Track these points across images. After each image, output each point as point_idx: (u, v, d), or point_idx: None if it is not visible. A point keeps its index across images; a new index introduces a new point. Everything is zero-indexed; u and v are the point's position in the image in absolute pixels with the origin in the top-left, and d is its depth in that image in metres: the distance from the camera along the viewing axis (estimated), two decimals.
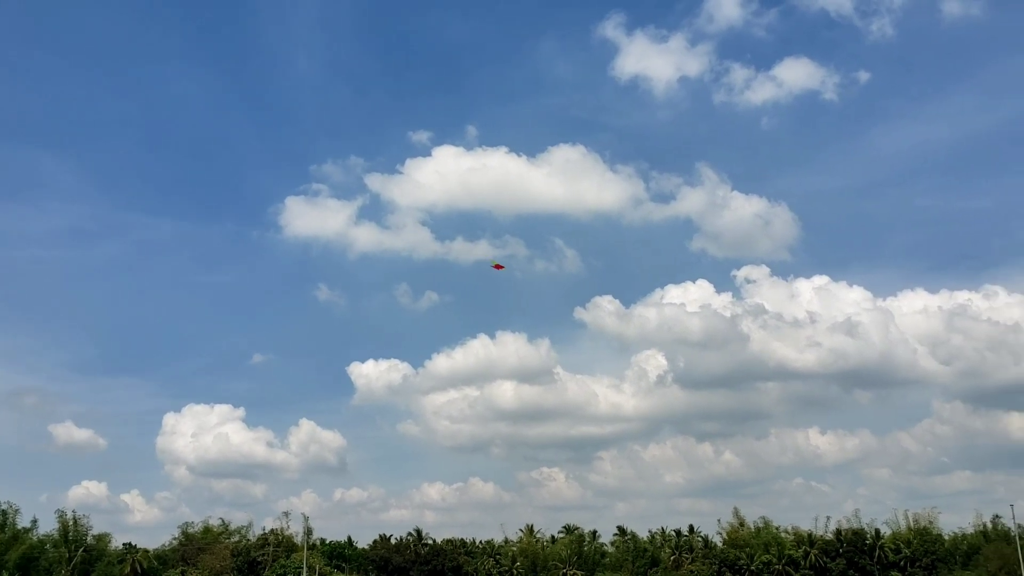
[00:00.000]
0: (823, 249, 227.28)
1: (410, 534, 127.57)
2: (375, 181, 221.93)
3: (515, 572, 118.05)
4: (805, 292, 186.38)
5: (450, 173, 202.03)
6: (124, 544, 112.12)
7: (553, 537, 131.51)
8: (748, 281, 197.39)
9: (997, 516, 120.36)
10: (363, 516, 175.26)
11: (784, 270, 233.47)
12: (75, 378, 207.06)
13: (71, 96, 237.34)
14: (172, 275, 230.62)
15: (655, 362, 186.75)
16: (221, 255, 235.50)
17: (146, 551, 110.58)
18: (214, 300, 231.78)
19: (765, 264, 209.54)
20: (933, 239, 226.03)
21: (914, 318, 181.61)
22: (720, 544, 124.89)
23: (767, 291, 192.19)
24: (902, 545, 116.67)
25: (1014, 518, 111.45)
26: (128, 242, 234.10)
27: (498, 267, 63.92)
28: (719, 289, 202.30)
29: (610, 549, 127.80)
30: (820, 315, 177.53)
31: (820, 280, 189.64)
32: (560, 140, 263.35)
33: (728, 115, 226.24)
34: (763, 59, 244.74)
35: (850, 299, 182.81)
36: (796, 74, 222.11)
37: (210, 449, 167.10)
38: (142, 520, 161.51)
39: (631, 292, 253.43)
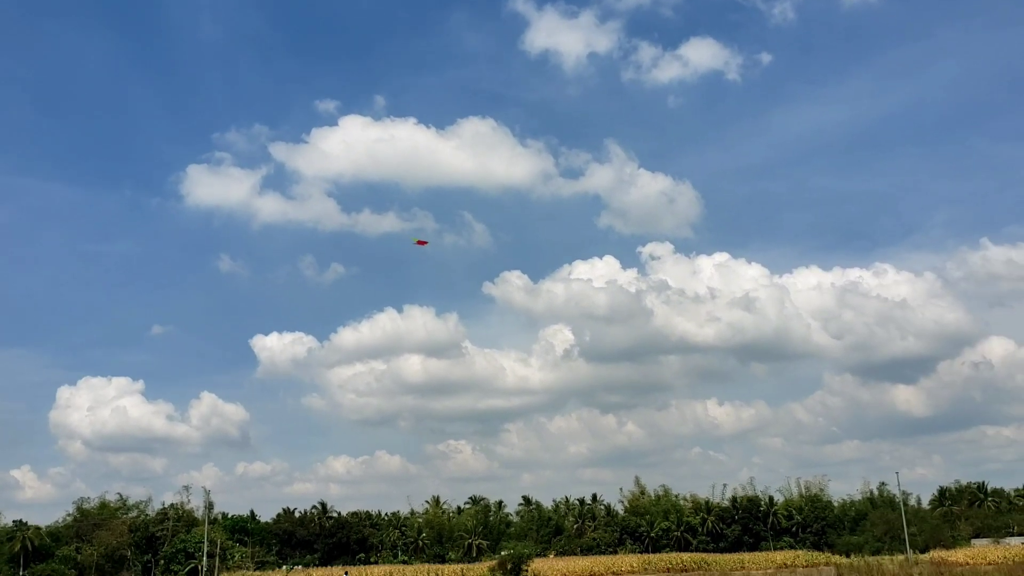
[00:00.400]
0: (724, 227, 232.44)
1: (314, 507, 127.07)
2: (280, 150, 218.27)
3: (421, 543, 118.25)
4: (706, 268, 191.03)
5: (357, 143, 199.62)
6: (14, 521, 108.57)
7: (459, 508, 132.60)
8: (653, 257, 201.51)
9: (883, 483, 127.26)
10: (267, 490, 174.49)
11: (687, 247, 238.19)
12: None
13: None
14: (65, 243, 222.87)
15: (562, 336, 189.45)
16: (118, 223, 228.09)
17: (38, 528, 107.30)
18: (110, 270, 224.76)
19: (669, 241, 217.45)
20: (827, 219, 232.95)
21: (808, 294, 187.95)
22: (622, 512, 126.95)
23: (670, 267, 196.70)
24: (794, 512, 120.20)
25: (899, 485, 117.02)
26: (17, 208, 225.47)
27: (421, 243, 63.62)
28: (625, 265, 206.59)
29: (515, 519, 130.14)
30: (720, 291, 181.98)
31: (720, 257, 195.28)
32: (470, 113, 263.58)
33: (636, 92, 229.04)
34: (670, 38, 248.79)
35: (748, 275, 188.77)
36: (701, 54, 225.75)
37: (107, 423, 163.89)
38: (34, 497, 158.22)
39: (539, 267, 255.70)
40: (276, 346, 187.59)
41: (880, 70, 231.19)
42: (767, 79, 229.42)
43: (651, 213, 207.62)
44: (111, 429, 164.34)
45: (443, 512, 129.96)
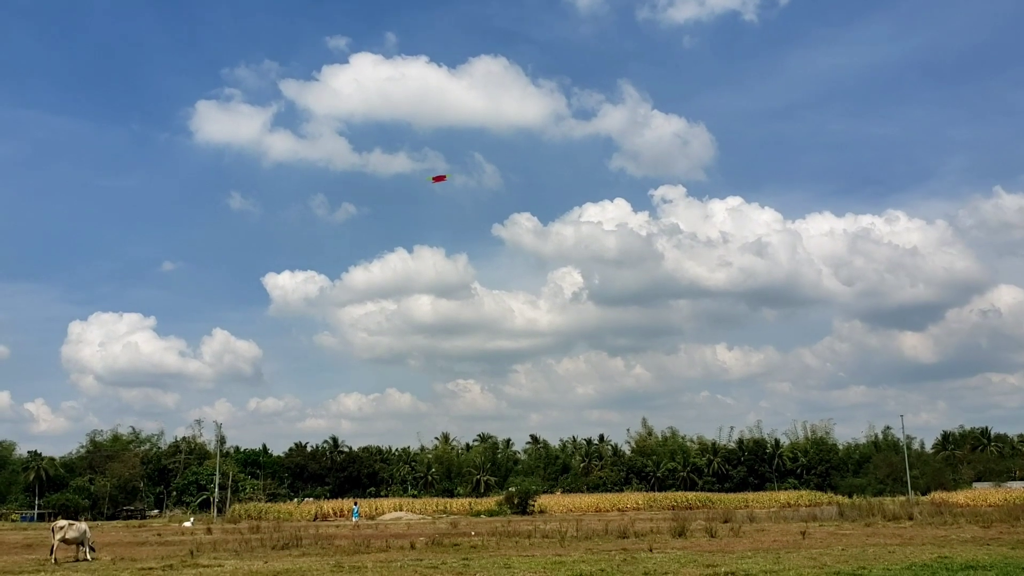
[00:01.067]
0: (738, 170, 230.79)
1: (326, 442, 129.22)
2: (290, 87, 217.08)
3: (430, 478, 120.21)
4: (719, 212, 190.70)
5: (368, 82, 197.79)
6: (29, 452, 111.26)
7: (468, 445, 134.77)
8: (664, 201, 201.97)
9: (888, 428, 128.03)
10: (279, 426, 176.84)
11: (699, 190, 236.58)
12: None
13: None
14: (74, 177, 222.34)
15: (571, 279, 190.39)
16: (127, 158, 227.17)
17: (52, 459, 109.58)
18: (120, 205, 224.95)
19: (682, 184, 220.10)
20: (842, 163, 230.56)
21: (820, 240, 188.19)
22: (628, 452, 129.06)
23: (682, 211, 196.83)
24: (799, 454, 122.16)
25: (903, 429, 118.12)
26: (24, 141, 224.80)
27: (439, 179, 62.13)
28: (636, 208, 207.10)
29: (523, 457, 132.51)
30: (732, 235, 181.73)
31: (734, 201, 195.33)
32: (482, 51, 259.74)
33: (651, 32, 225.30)
34: None
35: (761, 220, 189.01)
36: None
37: (119, 358, 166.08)
38: (48, 429, 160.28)
39: (549, 209, 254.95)
40: (288, 284, 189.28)
41: (899, 13, 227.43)
42: (784, 20, 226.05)
43: (664, 156, 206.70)
44: (123, 364, 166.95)
45: (452, 449, 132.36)
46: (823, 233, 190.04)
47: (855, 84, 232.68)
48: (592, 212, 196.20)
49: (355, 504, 76.16)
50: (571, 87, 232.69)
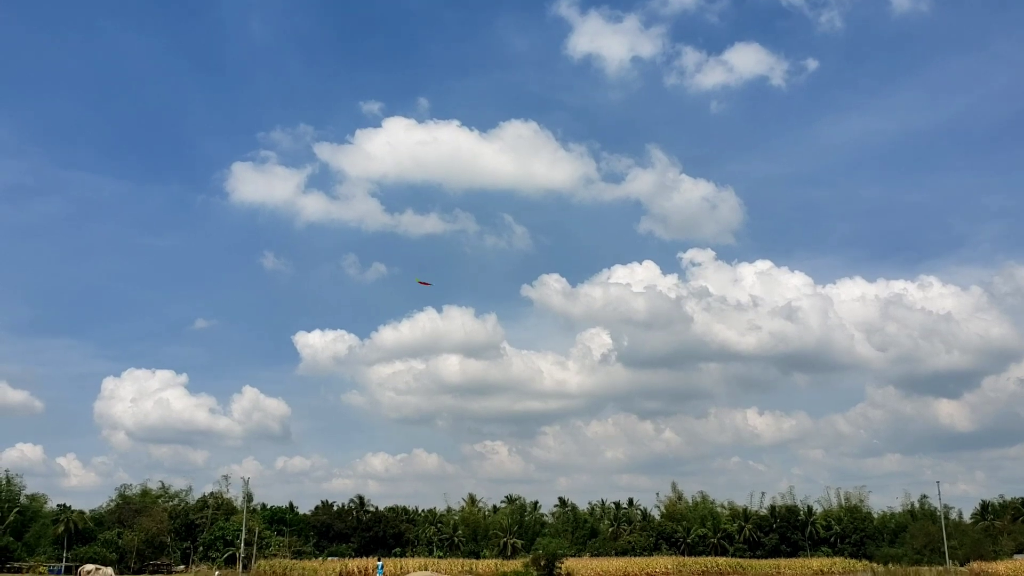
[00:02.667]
0: (767, 234, 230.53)
1: (352, 501, 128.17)
2: (324, 150, 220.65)
3: (456, 540, 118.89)
4: (748, 276, 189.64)
5: (401, 145, 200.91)
6: (59, 505, 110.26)
7: (495, 507, 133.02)
8: (693, 264, 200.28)
9: (924, 496, 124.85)
10: (306, 485, 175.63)
11: (729, 254, 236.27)
12: (9, 338, 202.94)
13: (12, 48, 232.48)
14: (113, 236, 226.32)
15: (600, 340, 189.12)
16: (165, 218, 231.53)
17: (81, 512, 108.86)
18: (157, 264, 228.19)
19: (711, 247, 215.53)
20: (873, 229, 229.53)
21: (852, 305, 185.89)
22: (658, 517, 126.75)
23: (711, 274, 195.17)
24: (833, 522, 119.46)
25: (940, 497, 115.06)
26: (68, 200, 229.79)
27: (424, 284, 62.13)
28: (665, 271, 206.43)
29: (550, 520, 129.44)
30: (762, 299, 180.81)
31: (763, 265, 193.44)
32: (512, 116, 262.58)
33: (679, 98, 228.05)
34: (715, 43, 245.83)
35: (791, 284, 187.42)
36: (746, 59, 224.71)
37: (150, 414, 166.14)
38: (78, 484, 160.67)
39: (578, 271, 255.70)
40: (318, 343, 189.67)
41: (930, 80, 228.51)
42: (813, 86, 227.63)
43: (693, 219, 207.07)
44: (154, 421, 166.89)
45: (479, 510, 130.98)
46: (855, 298, 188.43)
47: (886, 150, 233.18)
48: (621, 274, 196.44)
49: (379, 562, 75.66)
50: (600, 151, 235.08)
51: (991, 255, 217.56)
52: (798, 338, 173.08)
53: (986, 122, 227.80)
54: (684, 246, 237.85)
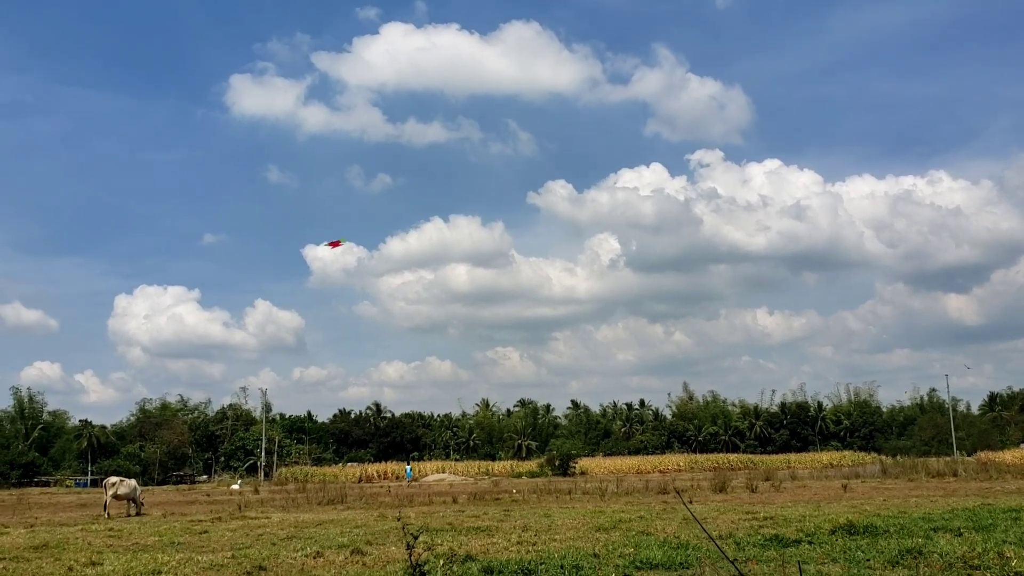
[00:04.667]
0: (776, 133, 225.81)
1: (369, 408, 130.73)
2: (323, 60, 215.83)
3: (472, 443, 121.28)
4: (757, 176, 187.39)
5: (400, 51, 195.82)
6: (80, 420, 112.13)
7: (509, 411, 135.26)
8: (702, 165, 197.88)
9: (933, 390, 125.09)
10: (322, 394, 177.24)
11: (737, 154, 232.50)
12: (21, 257, 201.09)
13: None
14: (116, 153, 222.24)
15: (608, 245, 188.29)
16: (167, 133, 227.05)
17: (103, 427, 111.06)
18: (161, 180, 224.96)
19: (719, 148, 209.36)
20: (883, 125, 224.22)
21: (861, 203, 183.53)
22: (669, 417, 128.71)
23: (720, 175, 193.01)
24: (842, 417, 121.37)
25: (948, 389, 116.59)
26: (69, 117, 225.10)
27: (335, 244, 58.33)
28: (673, 173, 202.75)
29: (564, 422, 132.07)
30: (771, 199, 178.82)
31: (772, 164, 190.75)
32: (513, 16, 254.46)
33: None
34: None
35: (801, 183, 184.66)
36: None
37: (164, 330, 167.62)
38: (98, 400, 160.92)
39: (585, 176, 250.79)
40: (327, 255, 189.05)
41: None
42: None
43: (700, 119, 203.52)
44: (168, 336, 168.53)
45: (493, 414, 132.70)
46: (864, 196, 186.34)
47: (899, 42, 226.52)
48: (628, 178, 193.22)
49: (408, 465, 77.09)
50: (605, 52, 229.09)
51: (1003, 148, 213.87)
52: (808, 237, 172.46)
53: (1000, 10, 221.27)
54: (692, 147, 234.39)
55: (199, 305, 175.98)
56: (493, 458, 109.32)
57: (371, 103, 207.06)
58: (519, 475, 78.48)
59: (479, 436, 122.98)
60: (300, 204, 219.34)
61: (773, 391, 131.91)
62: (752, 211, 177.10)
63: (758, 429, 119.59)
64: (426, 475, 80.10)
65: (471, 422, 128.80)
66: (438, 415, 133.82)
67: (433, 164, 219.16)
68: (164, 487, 77.88)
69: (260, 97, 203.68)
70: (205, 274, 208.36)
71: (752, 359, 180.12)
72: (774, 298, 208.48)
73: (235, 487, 67.88)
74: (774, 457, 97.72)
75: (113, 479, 33.66)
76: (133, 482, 34.37)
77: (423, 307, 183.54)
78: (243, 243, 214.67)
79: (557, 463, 79.80)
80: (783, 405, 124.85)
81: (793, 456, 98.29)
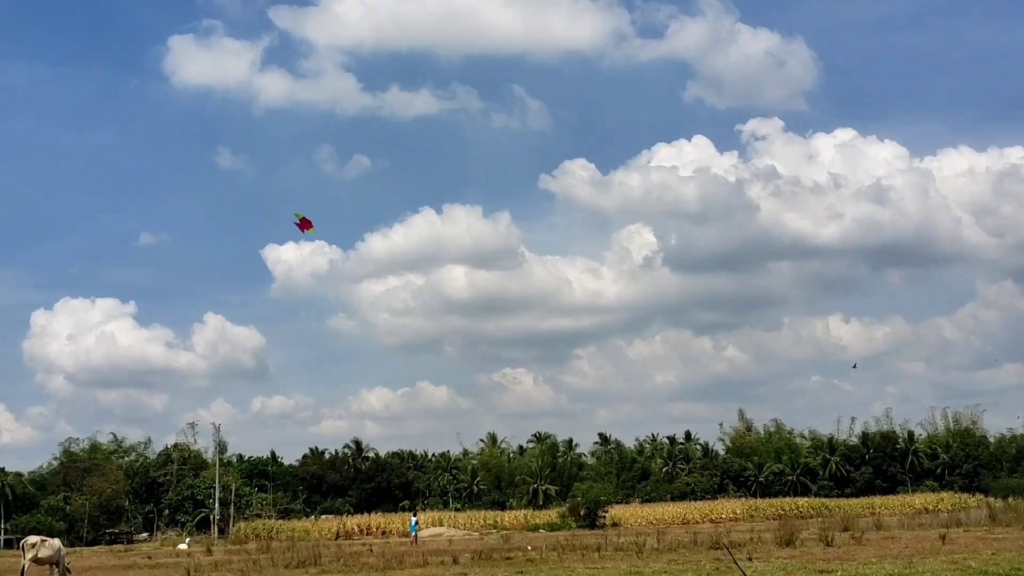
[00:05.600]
0: (849, 96, 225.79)
1: (347, 446, 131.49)
2: (282, 15, 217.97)
3: (476, 488, 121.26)
4: (826, 150, 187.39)
5: (378, 3, 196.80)
6: None
7: (521, 448, 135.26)
8: (756, 137, 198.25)
9: None
10: (290, 429, 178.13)
11: (801, 123, 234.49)
12: None
13: None
14: (30, 134, 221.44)
15: (641, 239, 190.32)
16: (92, 110, 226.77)
17: (19, 475, 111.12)
18: (86, 167, 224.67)
19: (778, 116, 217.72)
20: (983, 84, 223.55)
21: (957, 181, 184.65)
22: (722, 452, 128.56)
23: (780, 149, 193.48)
24: (939, 449, 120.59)
25: None
26: None
27: (304, 225, 57.85)
28: (721, 148, 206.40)
29: (590, 460, 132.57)
30: (844, 178, 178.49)
31: (845, 135, 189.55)
32: None
33: None
34: None
35: (881, 158, 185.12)
36: None
37: (93, 353, 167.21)
38: (12, 441, 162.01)
39: (611, 154, 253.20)
40: (293, 258, 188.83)
41: None
42: None
43: (754, 80, 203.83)
44: (98, 360, 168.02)
45: (502, 452, 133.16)
46: (961, 172, 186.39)
47: None
48: (665, 155, 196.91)
49: (414, 517, 76.71)
50: None
51: None
52: (891, 225, 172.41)
53: None
54: (744, 116, 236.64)
55: (136, 321, 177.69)
56: (503, 507, 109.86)
57: (344, 68, 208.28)
58: (535, 528, 78.94)
59: (485, 480, 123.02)
60: (258, 195, 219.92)
61: (852, 419, 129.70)
62: (821, 194, 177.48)
63: (833, 467, 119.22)
64: (420, 529, 79.85)
65: (474, 462, 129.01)
66: (433, 454, 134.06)
67: (422, 142, 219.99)
68: (96, 548, 79.22)
69: (206, 62, 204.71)
70: (142, 283, 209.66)
71: (824, 379, 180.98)
72: (850, 303, 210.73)
73: (183, 547, 68.49)
74: (854, 501, 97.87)
75: (32, 539, 33.77)
76: (57, 542, 34.45)
77: (412, 319, 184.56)
78: (189, 244, 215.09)
79: (582, 512, 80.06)
80: (864, 436, 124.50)
81: (878, 500, 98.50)
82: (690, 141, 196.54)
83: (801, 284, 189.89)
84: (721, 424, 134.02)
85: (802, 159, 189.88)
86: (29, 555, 32.81)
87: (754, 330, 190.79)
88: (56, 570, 33.85)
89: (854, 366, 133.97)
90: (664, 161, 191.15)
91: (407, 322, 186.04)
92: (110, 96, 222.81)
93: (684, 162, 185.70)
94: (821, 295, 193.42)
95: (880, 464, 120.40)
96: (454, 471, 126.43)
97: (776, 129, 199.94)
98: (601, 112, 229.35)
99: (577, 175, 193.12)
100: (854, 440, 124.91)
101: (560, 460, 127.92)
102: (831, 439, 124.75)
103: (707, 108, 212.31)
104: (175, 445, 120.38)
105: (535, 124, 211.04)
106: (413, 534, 69.46)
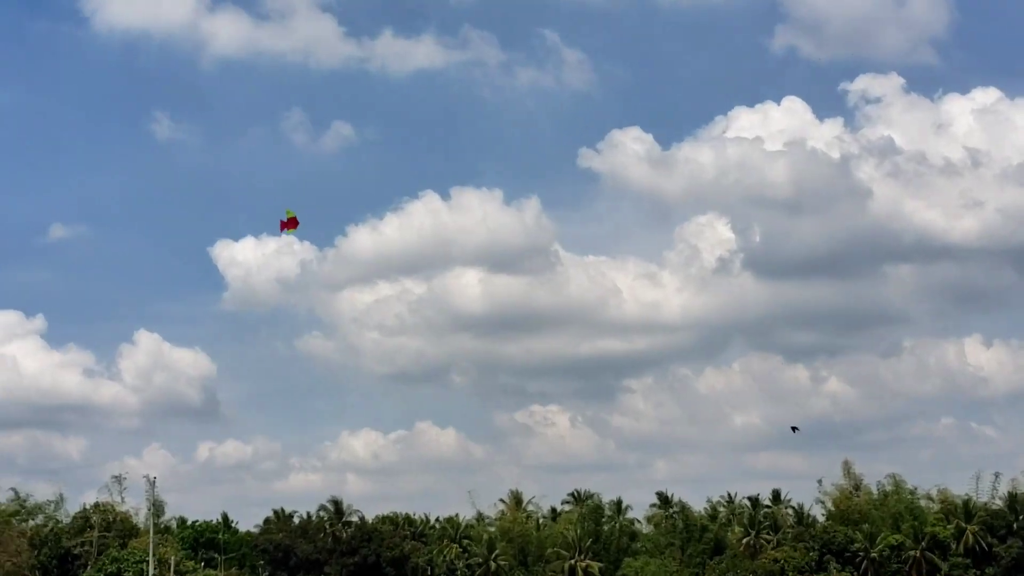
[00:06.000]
0: (989, 46, 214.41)
1: (324, 508, 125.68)
2: None
3: (495, 564, 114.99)
4: (961, 117, 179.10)
5: None
6: None
7: (554, 511, 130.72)
8: (868, 100, 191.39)
9: None
10: (248, 485, 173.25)
11: (927, 81, 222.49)
12: None
13: None
14: None
15: (714, 235, 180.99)
16: None
17: None
18: None
19: (896, 71, 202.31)
20: None
21: None
22: (822, 518, 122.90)
23: (899, 116, 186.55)
24: None
25: None
26: None
27: (290, 223, 47.60)
28: (820, 114, 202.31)
29: (645, 527, 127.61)
30: (986, 154, 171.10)
31: (985, 96, 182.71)
32: None
33: None
34: None
35: None
36: None
37: None
38: None
39: (674, 121, 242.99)
40: (251, 258, 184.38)
41: None
42: None
43: (863, 27, 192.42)
44: None
45: (528, 517, 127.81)
46: None
47: None
48: (746, 122, 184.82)
49: None
50: None
51: None
52: None
53: None
54: (851, 71, 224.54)
55: (44, 341, 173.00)
56: None
57: (320, 6, 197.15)
58: None
59: (506, 554, 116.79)
60: (207, 174, 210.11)
61: (996, 475, 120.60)
62: (954, 175, 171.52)
63: (971, 538, 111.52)
64: None
65: (492, 530, 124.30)
66: (437, 519, 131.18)
67: (423, 105, 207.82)
68: None
69: (138, 2, 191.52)
70: (53, 291, 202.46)
71: (959, 421, 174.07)
72: (993, 320, 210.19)
73: None
74: None
75: None
76: None
77: (410, 339, 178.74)
78: (115, 239, 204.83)
79: None
80: (1012, 498, 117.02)
81: None
82: (779, 104, 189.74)
83: (928, 295, 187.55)
84: (820, 481, 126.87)
85: (929, 129, 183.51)
86: None
87: (865, 356, 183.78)
88: None
89: (794, 429, 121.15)
90: (745, 131, 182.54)
91: (403, 343, 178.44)
92: (17, 45, 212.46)
93: (771, 132, 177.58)
94: (954, 309, 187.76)
95: None
96: (465, 542, 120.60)
97: (894, 89, 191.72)
98: (662, 66, 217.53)
99: (629, 149, 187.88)
100: (998, 503, 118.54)
101: (606, 527, 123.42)
102: (968, 502, 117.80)
103: (802, 61, 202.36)
104: (96, 505, 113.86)
105: (573, 82, 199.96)
106: None
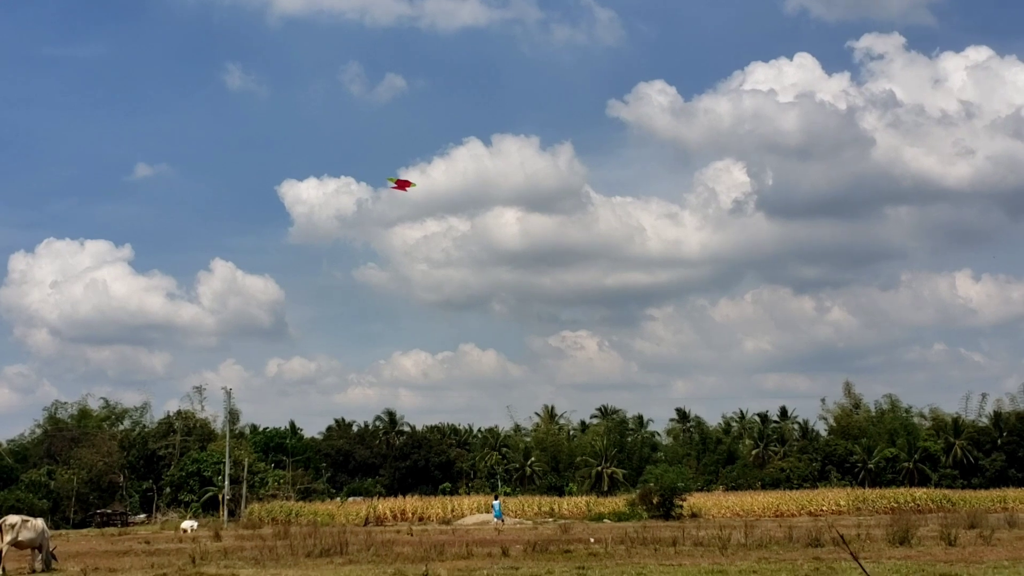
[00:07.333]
0: (985, 7, 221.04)
1: (379, 419, 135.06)
2: None
3: (529, 470, 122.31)
4: (957, 73, 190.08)
5: None
6: None
7: (583, 424, 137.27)
8: (872, 57, 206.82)
9: None
10: (312, 397, 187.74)
11: (926, 40, 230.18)
12: None
13: None
14: (6, 44, 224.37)
15: (730, 179, 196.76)
16: (80, 19, 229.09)
17: None
18: (73, 85, 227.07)
19: (898, 31, 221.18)
20: None
21: None
22: (824, 433, 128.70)
23: (900, 71, 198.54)
24: None
25: None
26: None
27: (402, 185, 57.15)
28: (829, 69, 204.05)
29: (665, 440, 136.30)
30: (979, 107, 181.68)
31: (979, 54, 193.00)
32: None
33: None
34: None
35: (1023, 83, 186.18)
36: None
37: (82, 304, 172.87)
38: None
39: (696, 74, 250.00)
40: (314, 196, 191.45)
41: None
42: None
43: None
44: (88, 312, 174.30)
45: (560, 429, 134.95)
46: None
47: None
48: (761, 76, 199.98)
49: (496, 500, 77.87)
50: None
51: None
52: None
53: None
54: (857, 30, 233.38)
55: (131, 268, 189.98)
56: (560, 492, 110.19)
57: None
58: (599, 518, 79.72)
59: (540, 460, 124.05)
60: (274, 121, 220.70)
61: (983, 395, 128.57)
62: (950, 125, 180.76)
63: (959, 452, 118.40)
64: (463, 516, 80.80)
65: (528, 440, 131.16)
66: (479, 430, 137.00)
67: (468, 59, 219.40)
68: (85, 530, 79.55)
69: None
70: (139, 223, 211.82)
71: (950, 348, 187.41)
72: (983, 256, 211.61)
73: (186, 528, 68.98)
74: (983, 494, 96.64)
75: (12, 519, 34.08)
76: (40, 523, 34.72)
77: (455, 271, 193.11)
78: (193, 178, 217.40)
79: (655, 500, 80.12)
80: (997, 416, 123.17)
81: (1012, 492, 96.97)
82: (792, 60, 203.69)
83: (924, 234, 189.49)
84: (823, 400, 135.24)
85: (927, 83, 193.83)
86: (8, 538, 32.99)
87: (866, 288, 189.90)
88: (39, 556, 34.16)
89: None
90: (760, 84, 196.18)
91: (449, 274, 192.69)
92: (101, 4, 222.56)
93: (784, 85, 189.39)
94: (947, 247, 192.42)
95: (1015, 450, 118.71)
96: (503, 450, 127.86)
97: (896, 47, 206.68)
98: (685, 25, 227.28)
99: (654, 101, 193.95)
100: (984, 421, 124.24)
101: (629, 439, 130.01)
102: (957, 420, 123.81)
103: (813, 20, 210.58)
104: (178, 412, 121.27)
105: (605, 38, 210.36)
106: (498, 519, 70.65)
